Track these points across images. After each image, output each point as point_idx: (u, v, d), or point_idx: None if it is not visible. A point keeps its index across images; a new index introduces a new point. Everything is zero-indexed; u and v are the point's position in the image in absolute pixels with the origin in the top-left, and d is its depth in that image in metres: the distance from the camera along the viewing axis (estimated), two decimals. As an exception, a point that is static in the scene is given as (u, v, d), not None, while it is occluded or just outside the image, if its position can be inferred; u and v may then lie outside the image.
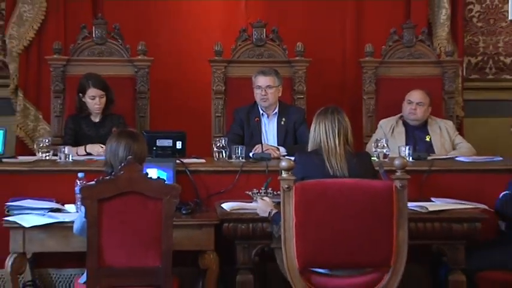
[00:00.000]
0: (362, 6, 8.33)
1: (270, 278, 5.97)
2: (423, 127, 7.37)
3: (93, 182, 5.53)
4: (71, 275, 6.22)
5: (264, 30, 7.83)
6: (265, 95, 7.13)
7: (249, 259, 5.93)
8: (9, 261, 5.82)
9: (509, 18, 8.40)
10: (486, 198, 6.32)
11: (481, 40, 8.44)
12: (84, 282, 5.56)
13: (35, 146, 7.25)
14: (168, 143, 6.85)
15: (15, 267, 5.84)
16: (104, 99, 7.17)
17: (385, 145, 6.89)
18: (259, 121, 7.25)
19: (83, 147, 6.98)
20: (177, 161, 6.55)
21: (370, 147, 7.00)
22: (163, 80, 7.96)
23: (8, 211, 6.03)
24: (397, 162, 5.49)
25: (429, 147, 7.22)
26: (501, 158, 6.90)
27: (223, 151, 6.98)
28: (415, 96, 7.34)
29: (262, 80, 7.18)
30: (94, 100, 7.11)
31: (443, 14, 8.15)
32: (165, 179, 5.93)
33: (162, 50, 7.98)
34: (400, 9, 8.30)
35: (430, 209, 6.06)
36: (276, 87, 7.26)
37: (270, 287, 6.02)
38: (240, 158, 6.81)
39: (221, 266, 5.97)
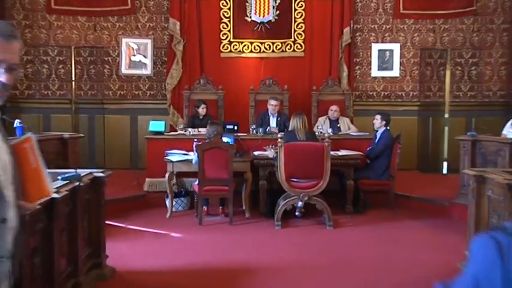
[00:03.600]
0: (312, 69, 8.16)
1: (273, 183, 5.92)
2: (337, 120, 7.20)
3: (200, 143, 5.60)
4: (192, 180, 6.05)
5: (271, 80, 7.72)
6: (274, 109, 7.00)
7: (264, 174, 5.91)
8: (166, 175, 5.83)
9: (371, 76, 8.30)
10: (362, 149, 6.25)
11: (360, 85, 8.30)
12: (197, 184, 5.60)
13: (177, 128, 7.25)
14: (231, 126, 6.78)
15: (169, 178, 5.85)
16: (205, 109, 7.04)
17: (322, 127, 6.90)
18: (269, 119, 7.09)
19: (196, 129, 6.85)
20: (235, 134, 6.50)
21: (316, 129, 6.83)
22: (229, 101, 7.80)
23: (166, 155, 6.01)
24: (326, 135, 5.74)
25: (339, 129, 7.08)
26: (368, 133, 6.78)
27: (254, 130, 6.93)
28: (334, 108, 7.21)
29: (273, 102, 7.02)
30: (202, 110, 6.99)
31: (345, 73, 8.01)
32: (230, 142, 6.00)
33: (229, 88, 7.80)
34: (327, 70, 8.07)
35: (339, 154, 6.05)
36: (278, 106, 7.13)
37: (273, 186, 5.95)
38: (261, 133, 6.76)
39: (253, 178, 5.90)
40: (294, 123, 5.89)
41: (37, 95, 8.14)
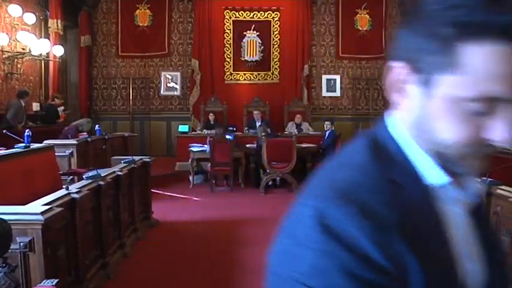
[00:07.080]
0: (284, 91, 8.00)
1: (259, 164, 5.91)
2: (300, 124, 7.04)
3: (212, 139, 5.45)
4: (206, 163, 5.81)
5: (257, 98, 7.65)
6: (257, 117, 6.85)
7: (253, 159, 5.83)
8: (189, 160, 5.69)
9: (322, 95, 8.34)
10: (317, 143, 6.21)
11: (315, 101, 8.23)
12: (209, 165, 5.53)
13: (196, 129, 7.14)
14: (231, 128, 6.70)
15: (191, 161, 5.71)
16: (214, 117, 6.92)
17: (290, 129, 6.84)
18: (255, 123, 6.84)
19: (209, 130, 6.57)
20: (234, 133, 6.35)
21: (286, 130, 6.77)
22: (230, 111, 7.63)
23: (189, 147, 5.85)
24: (293, 134, 5.57)
25: (302, 130, 6.91)
26: (320, 132, 6.62)
27: (246, 131, 6.83)
28: (298, 116, 7.11)
29: (257, 112, 6.92)
30: (212, 117, 6.81)
31: (305, 94, 7.94)
32: (231, 138, 5.82)
33: (230, 103, 7.63)
34: (293, 92, 7.95)
35: (302, 146, 5.86)
36: (260, 114, 6.98)
37: (259, 167, 5.91)
38: (251, 132, 6.61)
39: (246, 162, 5.83)
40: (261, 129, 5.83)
41: (109, 109, 8.17)
